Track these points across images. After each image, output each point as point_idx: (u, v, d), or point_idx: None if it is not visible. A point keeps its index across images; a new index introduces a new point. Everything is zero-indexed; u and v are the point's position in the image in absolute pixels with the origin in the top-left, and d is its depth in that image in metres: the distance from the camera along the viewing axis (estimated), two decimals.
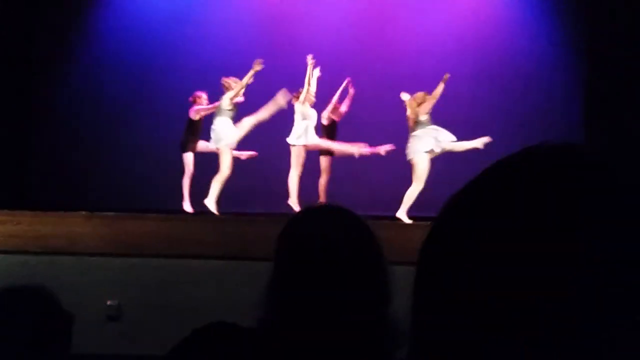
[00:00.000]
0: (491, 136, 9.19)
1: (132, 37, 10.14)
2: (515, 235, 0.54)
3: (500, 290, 0.53)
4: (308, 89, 8.53)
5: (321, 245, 1.38)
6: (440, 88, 8.29)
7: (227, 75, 8.85)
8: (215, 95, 8.75)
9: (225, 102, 8.41)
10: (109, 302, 6.23)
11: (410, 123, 8.28)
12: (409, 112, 8.32)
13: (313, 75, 8.65)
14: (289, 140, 8.53)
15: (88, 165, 9.64)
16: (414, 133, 8.22)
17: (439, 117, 9.73)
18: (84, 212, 7.09)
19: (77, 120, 9.85)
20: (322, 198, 8.31)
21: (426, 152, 8.14)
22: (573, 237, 0.53)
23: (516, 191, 0.56)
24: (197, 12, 10.26)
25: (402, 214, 8.03)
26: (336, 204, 1.48)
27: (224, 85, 8.52)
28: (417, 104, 8.26)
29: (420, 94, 8.30)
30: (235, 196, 8.67)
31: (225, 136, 8.32)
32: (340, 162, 9.53)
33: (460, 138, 9.12)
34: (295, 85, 9.86)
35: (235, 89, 8.38)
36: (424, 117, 8.22)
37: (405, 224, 7.88)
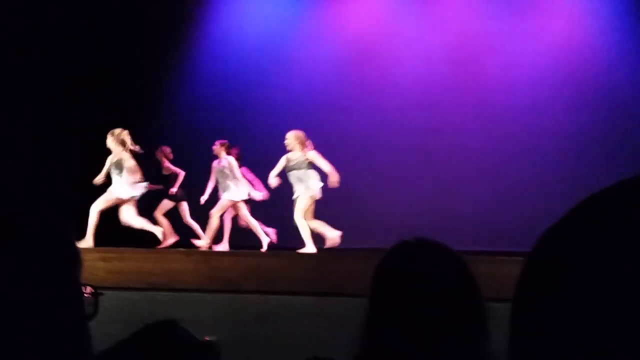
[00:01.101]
0: (587, 166, 8.91)
1: (226, 76, 10.47)
2: (612, 268, 0.55)
3: (605, 321, 0.54)
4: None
5: (418, 281, 1.38)
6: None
7: (316, 113, 8.99)
8: (309, 131, 8.88)
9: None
10: (207, 338, 6.37)
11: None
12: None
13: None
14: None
15: (188, 202, 9.90)
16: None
17: (535, 148, 9.55)
18: (182, 249, 7.33)
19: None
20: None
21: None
22: None
23: (611, 225, 0.56)
24: (289, 50, 10.47)
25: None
26: (431, 238, 1.47)
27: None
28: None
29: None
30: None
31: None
32: (433, 195, 9.48)
33: (555, 168, 8.90)
34: (385, 120, 9.93)
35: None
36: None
37: (500, 259, 7.70)
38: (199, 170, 8.91)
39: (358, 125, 9.95)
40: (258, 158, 9.25)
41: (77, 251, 0.81)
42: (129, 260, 6.97)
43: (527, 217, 9.38)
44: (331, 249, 8.25)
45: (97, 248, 7.30)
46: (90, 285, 0.92)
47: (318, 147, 8.90)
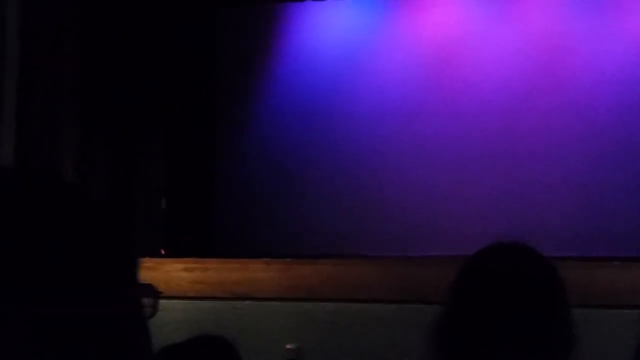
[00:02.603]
0: None
1: (306, 85, 10.55)
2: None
3: None
4: None
5: (506, 285, 1.36)
6: None
7: (397, 122, 8.93)
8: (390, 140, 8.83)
9: None
10: (288, 346, 6.43)
11: None
12: None
13: None
14: None
15: (269, 212, 10.03)
16: None
17: (621, 150, 9.24)
18: (265, 259, 7.43)
19: (255, 170, 10.35)
20: None
21: None
22: None
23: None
24: (368, 60, 10.46)
25: None
26: (521, 241, 1.44)
27: None
28: None
29: None
30: (404, 238, 8.69)
31: None
32: (516, 202, 9.29)
33: (627, 175, 8.60)
34: (468, 125, 9.79)
35: None
36: None
37: (584, 264, 7.46)
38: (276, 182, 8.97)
39: (441, 132, 9.84)
40: (339, 169, 9.26)
41: (134, 251, 0.84)
42: (211, 270, 7.12)
43: (614, 221, 9.06)
44: (411, 256, 8.19)
45: (180, 259, 7.48)
46: (150, 285, 0.95)
47: (401, 156, 8.87)
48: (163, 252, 8.55)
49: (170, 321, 6.03)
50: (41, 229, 0.78)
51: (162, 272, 6.75)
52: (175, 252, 8.05)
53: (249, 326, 6.10)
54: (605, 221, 9.12)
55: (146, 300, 0.89)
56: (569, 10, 9.85)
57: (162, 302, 0.96)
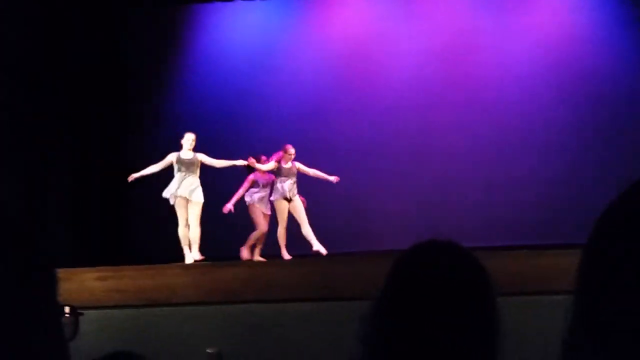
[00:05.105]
0: (572, 157, 8.99)
1: (215, 87, 10.46)
2: None
3: None
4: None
5: (429, 283, 1.38)
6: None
7: (309, 120, 8.98)
8: (303, 138, 8.87)
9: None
10: (209, 350, 6.36)
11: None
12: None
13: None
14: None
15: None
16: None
17: (522, 140, 9.60)
18: (180, 264, 7.32)
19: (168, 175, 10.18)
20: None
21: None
22: None
23: None
24: (279, 59, 10.45)
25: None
26: (444, 238, 1.47)
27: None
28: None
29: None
30: (328, 236, 8.74)
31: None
32: (430, 195, 9.51)
33: (550, 161, 8.97)
34: (380, 122, 9.94)
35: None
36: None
37: (503, 254, 7.72)
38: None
39: (353, 129, 9.96)
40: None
41: (53, 273, 0.79)
42: (127, 278, 6.95)
43: (525, 211, 9.42)
44: (329, 254, 8.25)
45: (94, 267, 7.27)
46: (70, 306, 0.91)
47: (314, 153, 8.91)
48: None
49: (85, 333, 5.84)
50: None
51: (75, 282, 6.54)
52: (89, 261, 7.81)
53: (169, 332, 5.99)
54: (512, 210, 9.47)
55: (66, 320, 0.84)
56: (476, 9, 10.17)
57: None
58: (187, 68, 10.65)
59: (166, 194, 8.24)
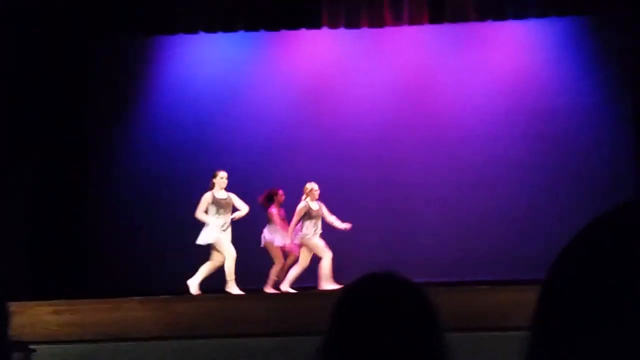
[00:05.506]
0: (531, 193, 9.14)
1: (177, 121, 10.39)
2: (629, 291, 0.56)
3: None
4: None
5: (373, 317, 1.38)
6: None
7: (269, 154, 8.96)
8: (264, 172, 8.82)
9: None
10: None
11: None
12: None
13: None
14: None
15: (140, 252, 9.75)
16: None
17: (482, 175, 9.73)
18: (138, 297, 7.17)
19: (126, 209, 10.05)
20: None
21: None
22: None
23: (622, 248, 0.58)
24: (241, 93, 10.45)
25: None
26: (390, 272, 1.47)
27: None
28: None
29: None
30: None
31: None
32: (391, 228, 9.53)
33: (498, 195, 9.14)
34: (337, 157, 9.99)
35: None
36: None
37: (460, 289, 7.77)
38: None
39: (314, 163, 9.97)
40: None
41: (3, 306, 0.76)
42: (82, 312, 6.79)
43: (484, 246, 9.50)
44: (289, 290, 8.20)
45: (48, 301, 7.09)
46: (21, 342, 0.87)
47: (277, 186, 8.88)
48: None
49: None
50: None
51: (28, 315, 6.37)
52: (44, 296, 7.61)
53: None
54: (472, 247, 9.54)
55: (17, 356, 0.81)
56: (437, 45, 10.35)
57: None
58: (149, 99, 10.60)
59: (209, 239, 7.97)
